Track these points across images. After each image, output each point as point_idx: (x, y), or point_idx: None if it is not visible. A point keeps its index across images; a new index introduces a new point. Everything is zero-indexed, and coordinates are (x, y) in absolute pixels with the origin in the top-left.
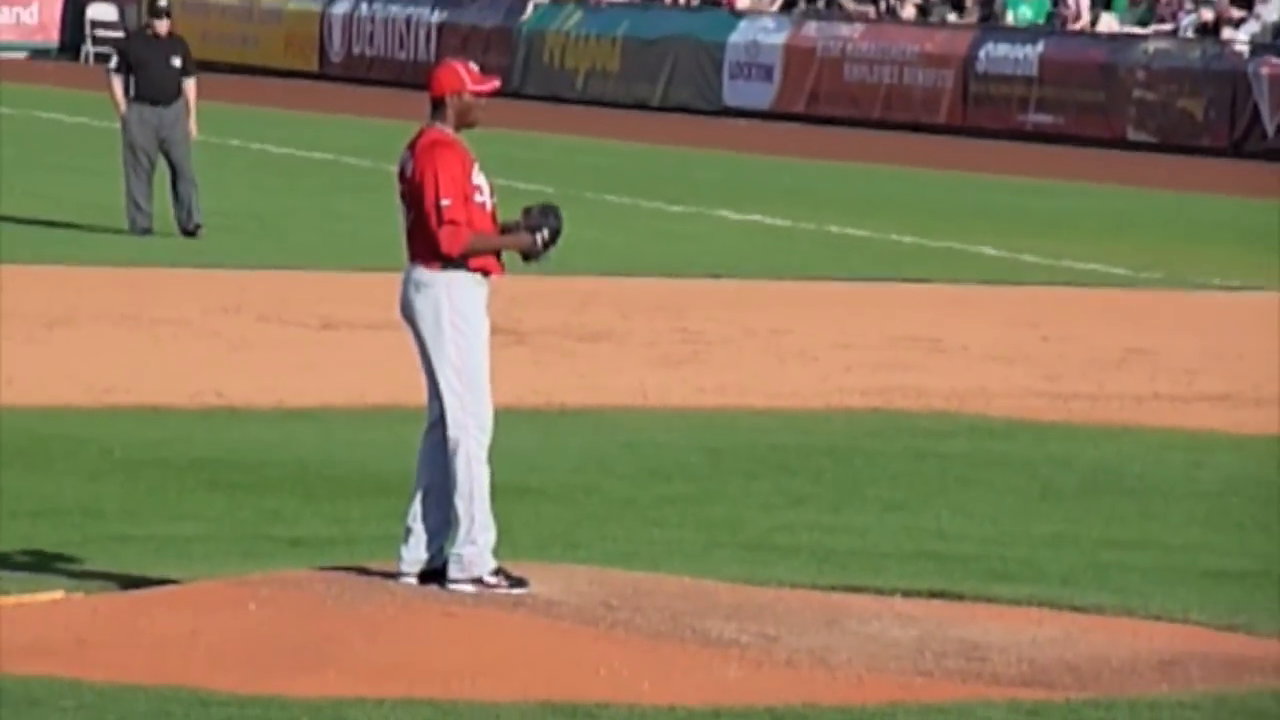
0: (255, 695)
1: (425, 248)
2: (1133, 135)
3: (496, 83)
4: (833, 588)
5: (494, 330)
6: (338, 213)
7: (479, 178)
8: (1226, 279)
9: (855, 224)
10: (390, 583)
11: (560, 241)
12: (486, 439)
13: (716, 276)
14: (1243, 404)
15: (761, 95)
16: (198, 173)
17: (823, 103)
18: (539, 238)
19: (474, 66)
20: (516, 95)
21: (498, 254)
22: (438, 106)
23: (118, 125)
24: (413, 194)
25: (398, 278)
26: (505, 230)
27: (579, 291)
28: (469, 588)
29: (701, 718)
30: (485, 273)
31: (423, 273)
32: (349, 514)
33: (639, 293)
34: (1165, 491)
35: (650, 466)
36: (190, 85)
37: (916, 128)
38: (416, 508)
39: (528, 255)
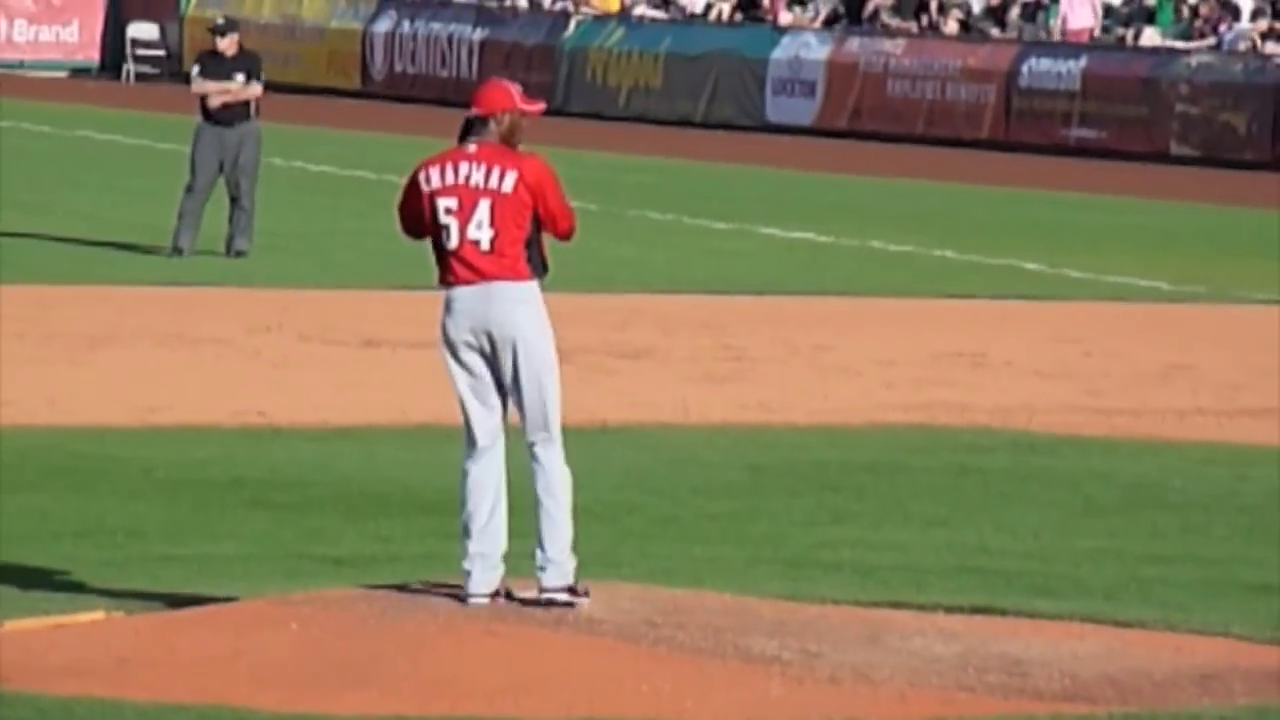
0: (297, 714)
1: (515, 260)
2: (1176, 150)
3: (543, 105)
4: (875, 604)
5: None
6: (379, 231)
7: None
8: (1269, 293)
9: (898, 240)
10: (433, 600)
11: None
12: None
13: (759, 293)
14: None
15: (804, 111)
16: (258, 201)
17: (865, 119)
18: None
19: (520, 87)
20: (559, 113)
21: None
22: (481, 123)
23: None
24: (509, 206)
25: (443, 296)
26: None
27: (621, 309)
28: (565, 596)
29: None
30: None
31: (517, 287)
32: (391, 533)
33: (681, 310)
34: (1207, 506)
35: (692, 484)
36: (254, 87)
37: (959, 143)
38: (491, 533)
39: None
